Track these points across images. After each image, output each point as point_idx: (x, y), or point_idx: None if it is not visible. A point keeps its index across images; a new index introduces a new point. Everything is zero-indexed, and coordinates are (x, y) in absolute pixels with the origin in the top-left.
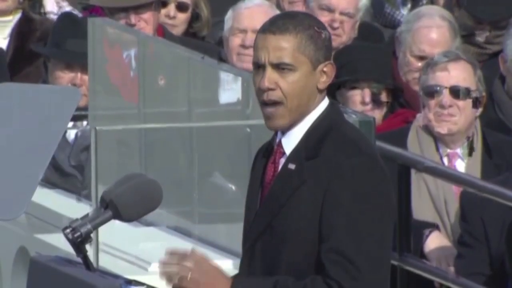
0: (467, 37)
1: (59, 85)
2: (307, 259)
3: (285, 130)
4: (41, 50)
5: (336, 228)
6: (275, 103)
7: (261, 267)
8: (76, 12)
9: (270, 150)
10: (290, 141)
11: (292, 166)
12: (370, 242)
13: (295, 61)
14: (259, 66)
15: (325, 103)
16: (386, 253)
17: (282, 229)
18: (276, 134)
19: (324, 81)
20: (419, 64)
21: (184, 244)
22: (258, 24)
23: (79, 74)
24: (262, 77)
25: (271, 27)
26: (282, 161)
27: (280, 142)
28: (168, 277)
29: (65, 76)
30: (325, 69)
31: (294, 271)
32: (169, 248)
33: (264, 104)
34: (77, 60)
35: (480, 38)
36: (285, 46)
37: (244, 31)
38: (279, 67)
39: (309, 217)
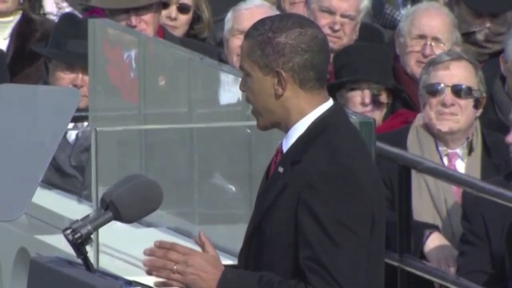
0: (467, 35)
1: (60, 86)
2: (284, 263)
3: (285, 131)
4: (42, 50)
5: (310, 236)
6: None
7: (254, 266)
8: (76, 13)
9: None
10: (288, 143)
11: (281, 169)
12: (344, 251)
13: (248, 67)
14: None
15: (326, 105)
16: (360, 261)
17: (267, 231)
18: None
19: (277, 88)
20: (421, 42)
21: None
22: None
23: (80, 75)
24: None
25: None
26: None
27: (281, 142)
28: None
29: (66, 77)
30: (277, 77)
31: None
32: (157, 241)
33: None
34: (78, 61)
35: (480, 36)
36: (242, 51)
37: (244, 32)
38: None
39: (287, 222)
